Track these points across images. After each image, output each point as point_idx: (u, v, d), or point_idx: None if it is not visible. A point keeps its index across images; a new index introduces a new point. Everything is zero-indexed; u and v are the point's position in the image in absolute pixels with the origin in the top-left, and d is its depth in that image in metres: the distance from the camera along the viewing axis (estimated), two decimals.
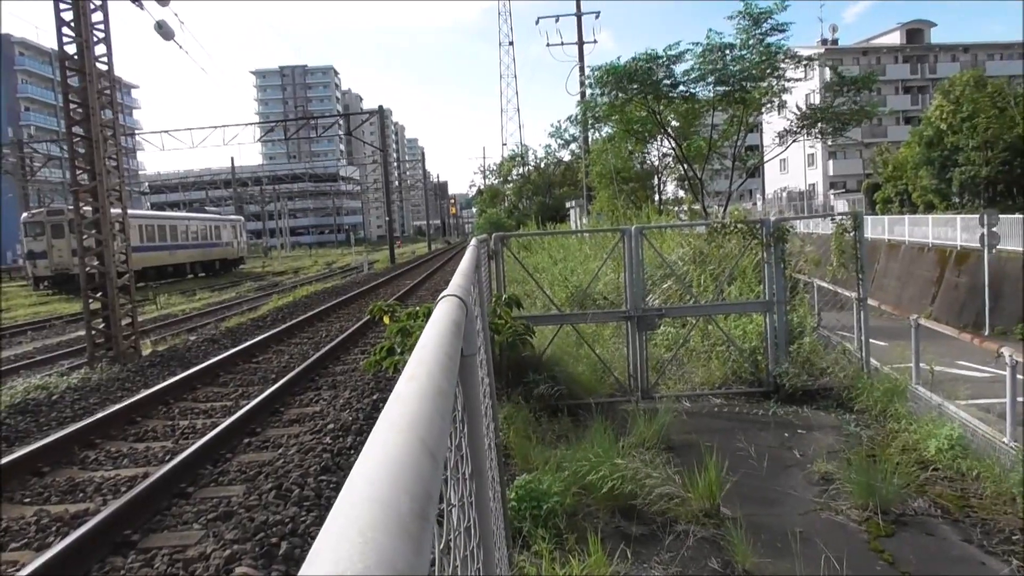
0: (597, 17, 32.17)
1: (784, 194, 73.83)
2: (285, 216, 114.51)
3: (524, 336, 6.83)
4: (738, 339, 8.50)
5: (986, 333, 24.35)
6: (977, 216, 27.30)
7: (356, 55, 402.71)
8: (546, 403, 7.61)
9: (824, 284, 9.28)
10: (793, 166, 75.33)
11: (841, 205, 61.85)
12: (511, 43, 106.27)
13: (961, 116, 37.88)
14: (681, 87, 16.56)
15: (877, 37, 77.76)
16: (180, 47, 23.83)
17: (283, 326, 15.84)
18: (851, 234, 7.93)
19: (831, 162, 74.08)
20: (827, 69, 18.34)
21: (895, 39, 74.66)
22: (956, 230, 29.58)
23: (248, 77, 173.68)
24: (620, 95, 16.64)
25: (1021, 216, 27.46)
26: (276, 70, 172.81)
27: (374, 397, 8.67)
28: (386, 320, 6.60)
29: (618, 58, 16.09)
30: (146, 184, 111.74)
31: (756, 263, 10.78)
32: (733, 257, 9.82)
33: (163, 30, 16.25)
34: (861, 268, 7.87)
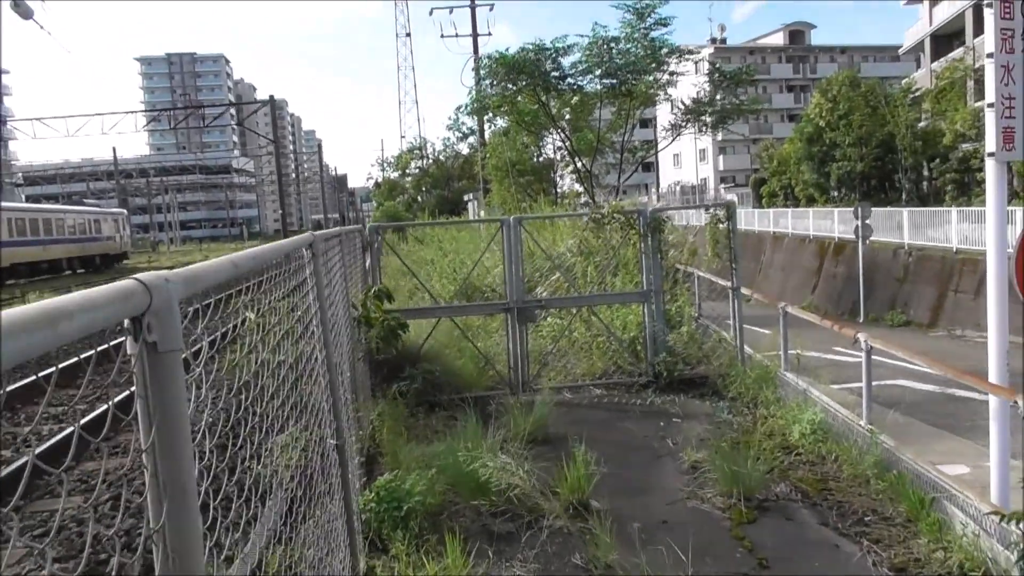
0: (491, 9, 32.23)
1: (678, 188, 76.01)
2: (175, 209, 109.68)
3: (396, 330, 6.59)
4: (619, 330, 8.53)
5: (861, 320, 25.69)
6: (852, 209, 28.78)
7: (250, 47, 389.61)
8: (422, 398, 7.40)
9: (703, 274, 9.44)
10: (686, 161, 77.70)
11: (731, 198, 64.05)
12: (408, 35, 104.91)
13: (838, 114, 39.74)
14: (569, 79, 16.64)
15: (763, 37, 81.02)
16: (41, 27, 22.15)
17: None
18: (724, 224, 8.06)
19: (721, 157, 76.72)
20: (705, 64, 18.94)
21: (779, 39, 77.98)
22: (834, 222, 31.07)
23: (133, 64, 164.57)
24: (510, 86, 16.58)
25: (891, 209, 29.09)
26: (163, 57, 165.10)
27: None
28: None
29: (507, 49, 16.06)
30: (19, 175, 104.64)
31: (637, 254, 10.90)
32: (615, 248, 9.87)
33: (19, 8, 15.06)
34: (734, 257, 8.02)
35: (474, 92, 18.60)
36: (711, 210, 8.17)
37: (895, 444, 5.20)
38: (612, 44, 15.84)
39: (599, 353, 8.41)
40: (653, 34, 15.93)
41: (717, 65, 17.97)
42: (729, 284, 8.21)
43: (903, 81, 48.27)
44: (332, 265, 4.76)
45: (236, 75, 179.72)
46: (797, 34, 78.71)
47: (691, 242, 11.17)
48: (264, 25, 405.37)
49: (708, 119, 17.70)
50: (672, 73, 16.96)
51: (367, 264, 7.76)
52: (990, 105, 4.63)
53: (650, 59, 15.93)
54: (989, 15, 4.62)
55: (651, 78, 16.80)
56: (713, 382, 7.88)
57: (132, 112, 48.25)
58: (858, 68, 46.99)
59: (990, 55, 4.59)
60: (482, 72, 17.26)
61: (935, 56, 47.14)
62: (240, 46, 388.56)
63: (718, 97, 17.62)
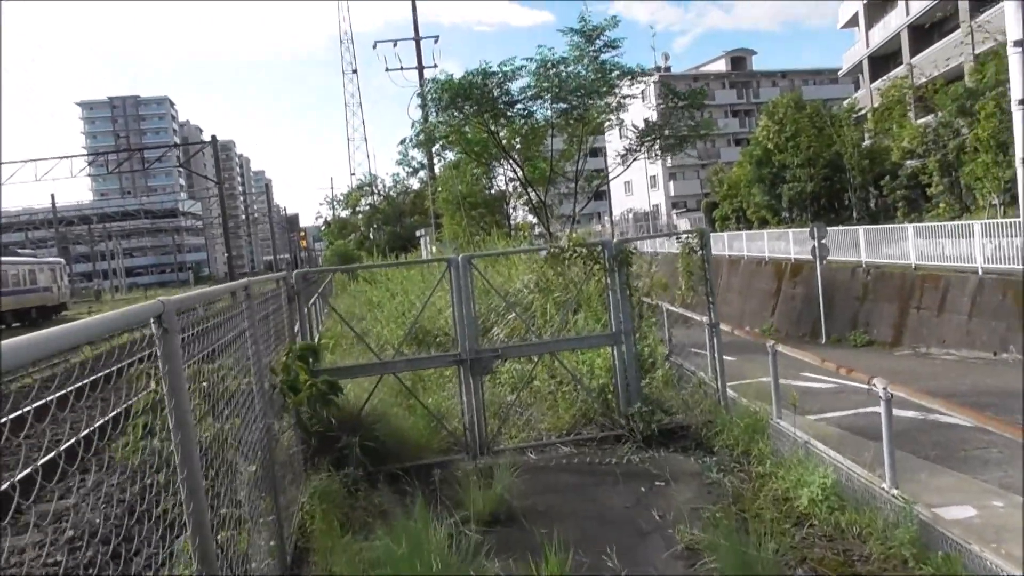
0: (436, 42, 31.46)
1: (631, 215, 76.13)
2: (119, 256, 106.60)
3: (327, 395, 5.54)
4: (585, 376, 7.58)
5: (823, 341, 25.26)
6: (807, 229, 28.54)
7: (198, 91, 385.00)
8: (364, 471, 6.33)
9: (675, 309, 8.58)
10: (637, 188, 78.02)
11: (684, 223, 64.28)
12: (355, 71, 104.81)
13: (785, 136, 39.93)
14: (519, 105, 15.86)
15: (705, 64, 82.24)
16: None
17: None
18: (699, 253, 7.22)
19: (672, 183, 77.30)
20: (656, 87, 18.44)
21: (721, 66, 79.19)
22: (789, 243, 30.84)
23: (74, 109, 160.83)
24: (456, 114, 15.74)
25: (847, 228, 28.91)
26: (105, 101, 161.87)
27: None
28: None
29: (450, 75, 15.23)
30: None
31: (601, 289, 10.01)
32: (576, 284, 8.98)
33: None
34: (711, 290, 7.17)
35: (419, 124, 17.72)
36: (683, 238, 7.33)
37: (932, 515, 4.30)
38: (561, 66, 15.11)
39: (565, 404, 7.44)
40: (603, 56, 15.31)
41: (670, 85, 17.40)
42: (706, 320, 7.35)
43: (846, 101, 49.02)
44: (218, 336, 3.76)
45: (182, 117, 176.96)
46: (739, 60, 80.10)
47: (654, 272, 10.34)
48: (210, 69, 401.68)
49: (662, 143, 17.07)
50: (624, 96, 16.31)
51: (295, 318, 6.70)
52: (1021, 102, 3.83)
53: (601, 82, 15.26)
54: (1014, 8, 3.85)
55: (603, 102, 16.13)
56: (696, 432, 6.97)
57: (67, 157, 46.37)
58: (800, 91, 47.41)
59: (1017, 42, 3.80)
60: (427, 99, 16.40)
61: (874, 77, 48.05)
62: (186, 90, 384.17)
63: (672, 120, 17.02)
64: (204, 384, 4.24)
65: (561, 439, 7.18)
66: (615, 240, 7.11)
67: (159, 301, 2.41)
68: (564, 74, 15.13)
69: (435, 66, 26.93)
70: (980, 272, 20.38)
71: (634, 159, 17.63)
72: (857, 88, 58.51)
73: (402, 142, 18.07)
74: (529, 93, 15.45)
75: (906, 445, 9.68)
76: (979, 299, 20.53)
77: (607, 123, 16.85)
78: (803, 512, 4.97)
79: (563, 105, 15.60)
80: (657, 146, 17.40)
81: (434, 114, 16.59)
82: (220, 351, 4.07)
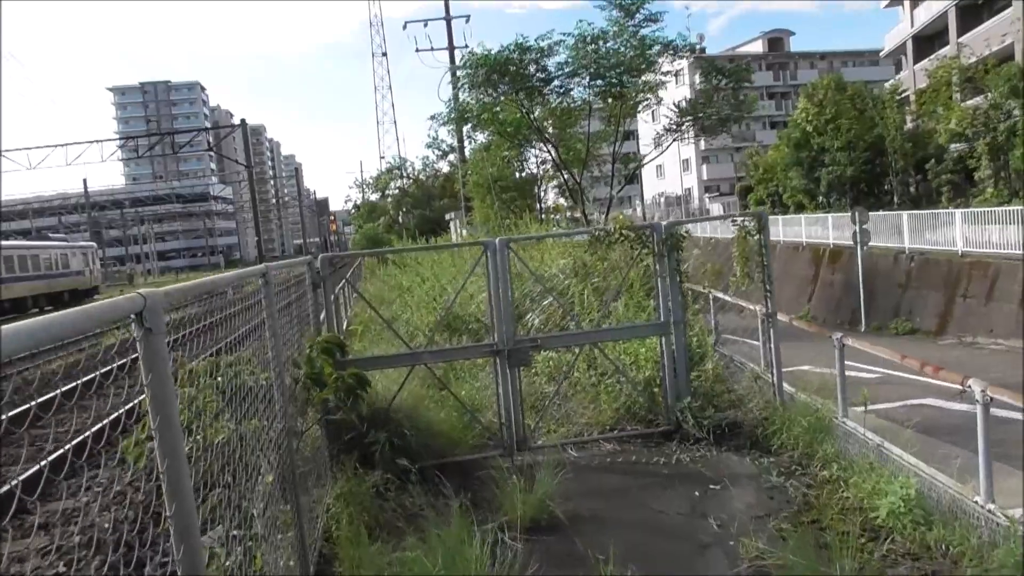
0: (467, 21, 31.02)
1: (662, 199, 75.07)
2: (151, 240, 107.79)
3: (355, 389, 5.11)
4: (629, 368, 7.09)
5: (863, 329, 24.46)
6: (848, 214, 27.65)
7: (229, 79, 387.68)
8: (394, 468, 5.91)
9: (727, 298, 8.04)
10: (669, 171, 76.85)
11: (716, 208, 63.20)
12: (384, 54, 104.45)
13: (825, 118, 38.82)
14: (556, 82, 15.24)
15: (742, 46, 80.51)
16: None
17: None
18: (755, 237, 6.67)
19: (705, 166, 76.07)
20: (697, 73, 17.73)
21: (758, 48, 77.46)
22: (828, 228, 29.94)
23: (106, 95, 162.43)
24: (491, 91, 15.17)
25: (890, 212, 27.98)
26: (136, 87, 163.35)
27: None
28: None
29: (488, 50, 14.60)
30: None
31: (643, 274, 9.48)
32: (619, 269, 8.47)
33: None
34: (768, 278, 6.62)
35: (452, 101, 17.16)
36: (739, 221, 6.77)
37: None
38: (600, 41, 14.44)
39: (608, 398, 6.95)
40: (643, 31, 14.64)
41: (714, 63, 16.65)
42: (760, 309, 6.81)
43: (888, 83, 47.57)
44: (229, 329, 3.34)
45: (212, 102, 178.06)
46: (776, 41, 78.29)
47: (700, 260, 9.80)
48: (241, 53, 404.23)
49: (704, 122, 16.36)
50: (665, 73, 15.64)
51: (321, 305, 6.27)
52: None
53: (640, 58, 14.59)
54: None
55: (642, 80, 15.48)
56: (749, 430, 6.45)
57: (97, 141, 46.60)
58: (840, 73, 46.10)
59: None
60: (460, 75, 15.84)
61: (918, 57, 46.50)
62: (218, 76, 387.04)
63: (715, 99, 16.29)
64: (210, 383, 3.84)
65: (603, 435, 6.71)
66: (665, 223, 6.58)
67: (139, 295, 1.96)
68: (603, 49, 14.48)
69: (466, 46, 26.32)
70: None
71: (674, 139, 16.96)
72: (898, 70, 56.82)
73: (433, 117, 17.55)
74: (566, 70, 14.83)
75: (964, 442, 9.10)
76: None
77: (646, 102, 16.20)
78: (881, 525, 4.45)
79: (601, 82, 14.95)
80: (698, 126, 16.69)
81: (467, 91, 16.05)
82: (233, 345, 3.65)
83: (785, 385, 6.69)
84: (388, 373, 6.83)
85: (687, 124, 16.55)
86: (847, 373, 14.30)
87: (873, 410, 10.20)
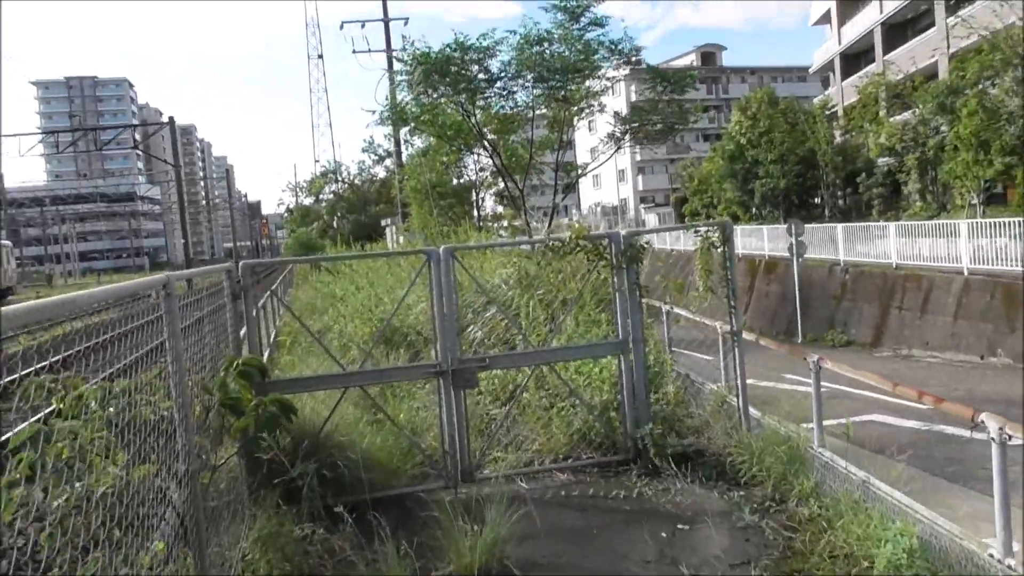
0: (406, 24, 30.17)
1: (598, 209, 75.45)
2: (73, 240, 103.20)
3: (276, 418, 4.39)
4: (583, 390, 6.52)
5: (799, 340, 24.59)
6: (782, 226, 27.92)
7: (160, 77, 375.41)
8: (321, 504, 5.21)
9: (684, 312, 7.57)
10: (606, 181, 77.35)
11: (652, 218, 63.76)
12: (320, 56, 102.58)
13: (759, 131, 39.44)
14: (499, 83, 14.65)
15: (675, 59, 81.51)
16: None
17: None
18: (719, 249, 6.20)
19: (640, 177, 76.80)
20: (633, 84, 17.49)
21: (691, 61, 78.63)
22: (764, 240, 30.23)
23: (29, 88, 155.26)
24: (431, 92, 14.48)
25: (825, 224, 28.36)
26: (61, 81, 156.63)
27: None
28: None
29: (428, 47, 13.90)
30: None
31: (594, 285, 8.96)
32: (568, 281, 7.92)
33: None
34: (732, 292, 6.15)
35: (389, 100, 16.38)
36: (702, 232, 6.29)
37: None
38: (544, 44, 13.92)
39: (560, 423, 6.36)
40: (588, 35, 14.20)
41: (659, 69, 16.35)
42: (726, 327, 6.34)
43: (817, 98, 48.73)
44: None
45: (141, 100, 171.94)
46: (709, 56, 79.69)
47: (649, 268, 9.32)
48: (174, 51, 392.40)
49: (649, 130, 16.03)
50: (609, 78, 15.24)
51: (242, 319, 5.48)
52: None
53: (585, 62, 14.14)
54: None
55: (586, 85, 15.04)
56: (714, 459, 5.95)
57: (15, 135, 44.01)
58: (773, 88, 47.00)
59: None
60: (398, 73, 15.11)
61: (845, 74, 47.74)
62: (148, 74, 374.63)
63: (659, 106, 15.98)
64: (97, 413, 3.11)
65: (557, 464, 6.11)
66: (624, 232, 6.05)
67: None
68: (548, 52, 13.97)
69: (404, 49, 25.61)
70: (966, 272, 19.86)
71: (618, 147, 16.60)
72: (825, 86, 58.36)
73: (372, 112, 16.73)
74: (510, 71, 14.26)
75: (917, 461, 8.82)
76: (965, 300, 20.01)
77: (589, 108, 15.76)
78: None
79: (544, 85, 14.43)
80: (640, 135, 16.36)
81: (405, 90, 15.31)
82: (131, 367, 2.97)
83: (752, 409, 6.22)
84: (318, 394, 6.11)
85: (629, 132, 16.20)
86: (791, 388, 13.98)
87: (824, 426, 9.92)
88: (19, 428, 3.22)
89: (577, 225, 6.07)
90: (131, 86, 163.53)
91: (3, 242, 53.40)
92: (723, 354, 6.94)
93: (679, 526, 4.96)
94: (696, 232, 6.32)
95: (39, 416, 3.71)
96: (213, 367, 4.63)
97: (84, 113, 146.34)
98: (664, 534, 4.88)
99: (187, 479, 3.36)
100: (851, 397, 14.48)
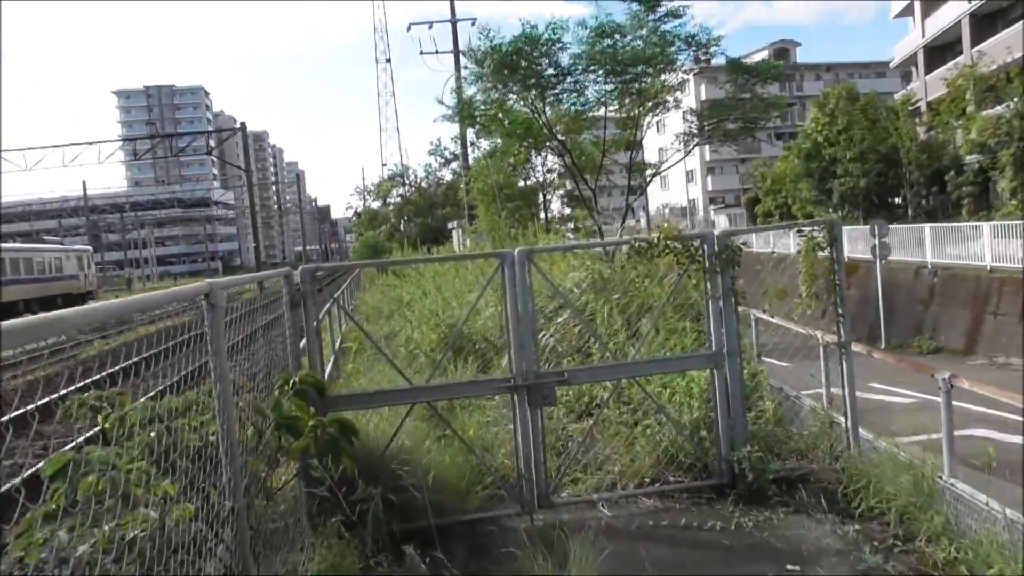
0: (474, 24, 29.76)
1: (667, 210, 74.10)
2: (151, 244, 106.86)
3: (337, 443, 3.95)
4: (671, 407, 5.92)
5: (882, 347, 23.31)
6: (863, 226, 26.58)
7: (233, 85, 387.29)
8: (386, 531, 4.77)
9: (785, 323, 6.90)
10: (673, 183, 75.97)
11: (722, 220, 62.21)
12: (388, 60, 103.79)
13: (837, 128, 37.93)
14: (569, 77, 14.07)
15: (747, 56, 79.46)
16: None
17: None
18: (826, 251, 5.55)
19: (709, 178, 75.22)
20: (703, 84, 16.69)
21: (764, 57, 76.52)
22: (843, 241, 28.89)
23: (111, 98, 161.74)
24: (500, 87, 14.02)
25: (911, 225, 26.92)
26: (141, 90, 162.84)
27: None
28: None
29: (502, 38, 13.41)
30: None
31: (673, 290, 8.34)
32: (654, 284, 7.35)
33: None
34: (841, 300, 5.48)
35: (456, 94, 15.95)
36: (806, 232, 5.63)
37: None
38: (616, 35, 13.29)
39: (646, 442, 5.78)
40: (664, 27, 13.52)
41: (740, 62, 15.54)
42: (832, 338, 5.66)
43: (899, 93, 46.61)
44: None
45: (216, 108, 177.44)
46: (782, 52, 77.37)
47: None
48: (246, 59, 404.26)
49: (731, 124, 15.24)
50: (688, 70, 14.54)
51: (302, 329, 5.06)
52: None
53: (660, 56, 13.47)
54: None
55: (662, 79, 14.36)
56: (821, 486, 5.29)
57: (94, 143, 45.47)
58: (854, 84, 45.17)
59: None
60: (466, 67, 14.74)
61: (929, 68, 45.55)
62: (222, 82, 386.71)
63: (740, 100, 15.18)
64: (142, 438, 2.71)
65: (642, 489, 5.54)
66: (718, 232, 5.44)
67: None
68: (621, 44, 13.34)
69: (473, 44, 25.25)
70: None
71: (696, 144, 15.84)
72: (905, 82, 55.88)
73: (440, 102, 16.33)
74: (580, 65, 13.68)
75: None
76: None
77: (664, 103, 15.06)
78: None
79: (617, 79, 13.79)
80: (720, 131, 15.57)
81: (473, 84, 14.89)
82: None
83: (862, 431, 5.53)
84: (383, 410, 5.69)
85: (706, 129, 15.41)
86: (877, 397, 12.98)
87: (916, 441, 9.08)
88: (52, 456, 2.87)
89: (666, 224, 5.50)
90: (207, 94, 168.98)
91: (84, 247, 55.52)
92: (825, 366, 6.26)
93: (788, 567, 4.34)
94: (800, 232, 5.66)
95: (75, 443, 3.36)
96: (269, 384, 4.24)
97: (162, 121, 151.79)
98: (770, 573, 4.27)
99: (233, 517, 2.94)
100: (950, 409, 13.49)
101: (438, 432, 6.10)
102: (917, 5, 47.04)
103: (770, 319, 6.95)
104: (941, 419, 4.54)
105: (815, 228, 5.56)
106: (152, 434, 2.96)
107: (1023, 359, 16.31)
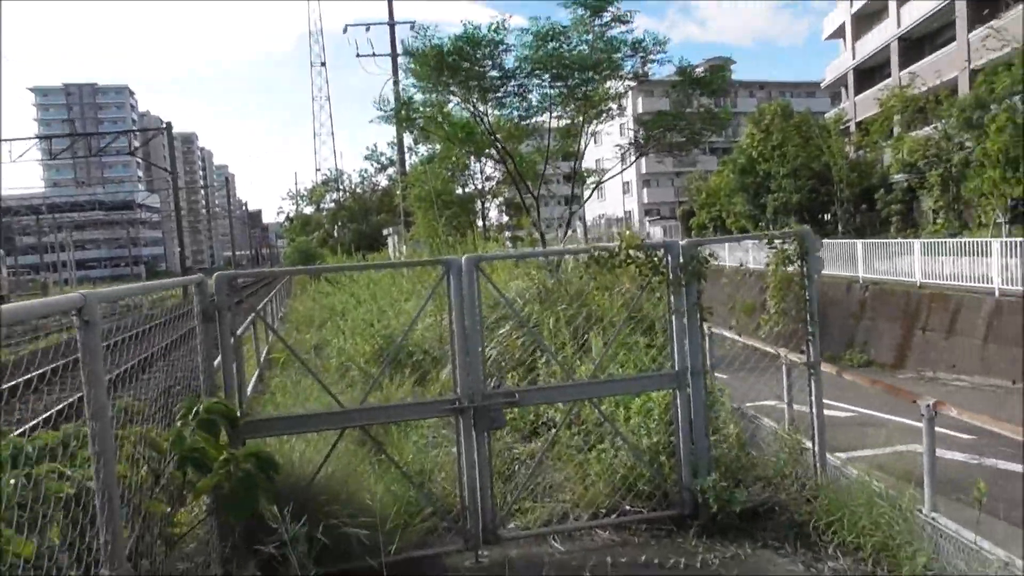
0: (412, 28, 29.08)
1: (603, 221, 74.65)
2: (69, 248, 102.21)
3: (252, 481, 3.35)
4: (627, 430, 5.46)
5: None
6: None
7: (161, 86, 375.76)
8: (312, 572, 4.16)
9: (750, 342, 6.54)
10: (610, 194, 76.58)
11: (657, 231, 62.87)
12: (323, 64, 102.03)
13: (772, 144, 38.63)
14: (513, 80, 13.63)
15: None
16: None
17: None
18: (796, 265, 5.19)
19: (645, 190, 76.15)
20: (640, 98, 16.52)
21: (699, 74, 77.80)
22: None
23: (27, 95, 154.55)
24: (439, 89, 13.48)
25: (844, 240, 27.41)
26: (60, 87, 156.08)
27: None
28: None
29: (440, 39, 12.84)
30: None
31: (634, 303, 7.93)
32: (601, 297, 6.91)
33: None
34: (812, 316, 5.14)
35: (393, 96, 15.34)
36: (776, 244, 5.25)
37: None
38: (561, 38, 12.91)
39: (601, 468, 5.31)
40: (611, 32, 13.23)
41: (686, 69, 15.37)
42: (800, 358, 5.30)
43: (830, 112, 47.90)
44: None
45: (142, 108, 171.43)
46: (717, 69, 78.79)
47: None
48: (175, 60, 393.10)
49: (677, 136, 15.06)
50: (635, 76, 14.26)
51: (205, 345, 4.35)
52: None
53: (607, 61, 13.15)
54: None
55: (608, 85, 14.07)
56: (788, 517, 4.90)
57: (7, 140, 43.04)
58: (789, 100, 46.21)
59: None
60: (403, 68, 14.15)
61: (858, 90, 46.99)
62: (149, 82, 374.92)
63: (693, 107, 15.01)
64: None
65: (597, 521, 5.05)
66: (684, 242, 5.01)
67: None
68: (565, 48, 12.98)
69: (412, 39, 24.59)
70: (997, 293, 18.84)
71: (640, 155, 15.60)
72: (834, 102, 57.57)
73: (378, 103, 15.64)
74: (526, 68, 13.25)
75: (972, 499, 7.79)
76: (996, 322, 18.97)
77: (608, 110, 14.77)
78: None
79: (562, 84, 13.42)
80: (664, 142, 15.37)
81: (412, 89, 14.32)
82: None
83: (829, 456, 5.18)
84: (310, 435, 5.06)
85: (655, 137, 15.20)
86: (831, 414, 12.83)
87: (856, 456, 8.87)
88: None
89: (628, 232, 5.04)
90: (131, 94, 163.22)
91: None
92: (787, 384, 5.92)
93: None
94: (770, 244, 5.29)
95: None
96: (171, 412, 3.61)
97: (83, 120, 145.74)
98: None
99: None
100: (882, 424, 13.43)
101: (373, 457, 5.50)
102: (848, 28, 48.52)
103: (736, 337, 6.57)
104: (923, 448, 4.19)
105: (786, 240, 5.19)
106: (12, 481, 2.33)
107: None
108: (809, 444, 5.19)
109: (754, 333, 6.09)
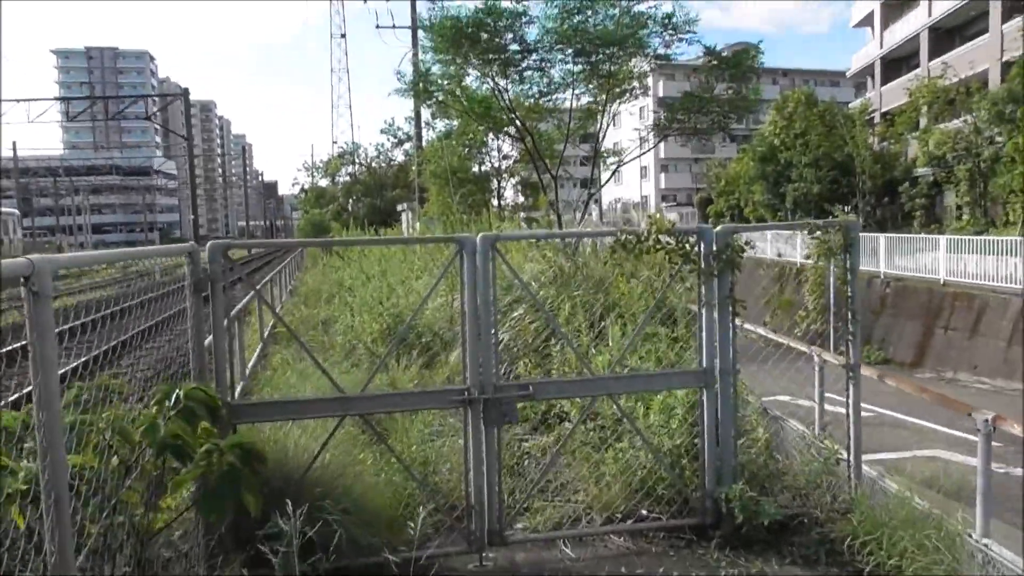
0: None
1: (619, 206, 73.97)
2: (86, 211, 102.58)
3: (235, 476, 3.00)
4: (646, 429, 5.08)
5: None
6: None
7: (182, 54, 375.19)
8: (307, 571, 3.83)
9: (766, 333, 6.13)
10: (627, 178, 75.85)
11: (673, 217, 62.18)
12: (343, 35, 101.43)
13: (794, 133, 37.90)
14: (534, 55, 13.16)
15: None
16: None
17: None
18: (839, 257, 4.77)
19: (663, 175, 75.41)
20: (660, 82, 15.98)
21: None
22: (796, 246, 28.74)
23: (49, 57, 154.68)
24: (459, 61, 13.04)
25: (866, 234, 26.79)
26: (81, 51, 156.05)
27: None
28: None
29: (458, 8, 12.42)
30: None
31: (643, 290, 7.54)
32: (623, 282, 6.51)
33: None
34: (854, 315, 4.73)
35: (412, 68, 14.89)
36: (818, 233, 4.83)
37: None
38: (588, 12, 12.39)
39: (618, 469, 4.94)
40: (638, 7, 12.72)
41: (714, 47, 14.83)
42: (844, 360, 4.89)
43: (855, 102, 46.92)
44: None
45: (162, 74, 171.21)
46: (744, 53, 77.66)
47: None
48: (197, 28, 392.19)
49: (706, 119, 14.56)
50: (659, 56, 13.77)
51: (196, 321, 3.99)
52: None
53: (633, 39, 12.64)
54: None
55: (632, 63, 13.59)
56: (819, 532, 4.52)
57: (25, 100, 42.88)
58: (813, 89, 45.30)
59: None
60: (423, 38, 13.69)
61: (885, 80, 45.95)
62: (171, 50, 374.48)
63: (719, 90, 14.51)
64: None
65: (612, 526, 4.69)
66: (718, 228, 4.60)
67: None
68: (590, 23, 12.47)
69: (431, 11, 23.92)
70: None
71: (663, 137, 15.12)
72: (859, 92, 56.46)
73: (398, 75, 15.11)
74: (548, 42, 12.76)
75: (1008, 515, 7.40)
76: (1022, 324, 18.45)
77: (632, 89, 14.29)
78: None
79: (585, 61, 12.93)
80: (690, 125, 14.86)
81: (431, 59, 13.87)
82: None
83: (865, 467, 4.79)
84: (309, 426, 4.71)
85: (681, 120, 14.70)
86: (830, 408, 12.43)
87: (878, 459, 8.48)
88: None
89: (657, 216, 4.64)
90: (152, 59, 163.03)
91: (11, 211, 52.45)
92: (819, 389, 5.52)
93: None
94: (811, 234, 4.86)
95: None
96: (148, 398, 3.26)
97: (104, 84, 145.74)
98: None
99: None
100: (902, 425, 12.98)
101: (372, 446, 5.16)
102: (877, 16, 47.37)
103: (771, 335, 6.15)
104: (978, 468, 3.80)
105: (829, 230, 4.77)
106: None
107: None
108: (844, 453, 4.79)
109: (789, 331, 5.67)
